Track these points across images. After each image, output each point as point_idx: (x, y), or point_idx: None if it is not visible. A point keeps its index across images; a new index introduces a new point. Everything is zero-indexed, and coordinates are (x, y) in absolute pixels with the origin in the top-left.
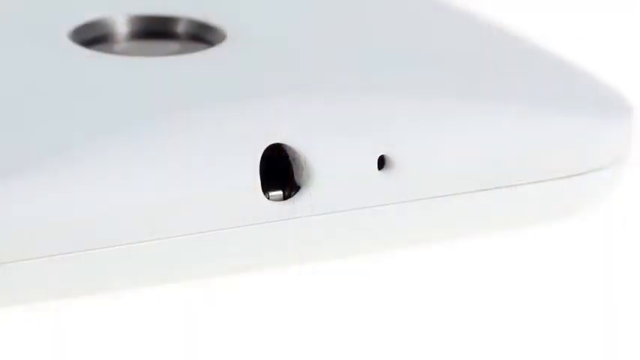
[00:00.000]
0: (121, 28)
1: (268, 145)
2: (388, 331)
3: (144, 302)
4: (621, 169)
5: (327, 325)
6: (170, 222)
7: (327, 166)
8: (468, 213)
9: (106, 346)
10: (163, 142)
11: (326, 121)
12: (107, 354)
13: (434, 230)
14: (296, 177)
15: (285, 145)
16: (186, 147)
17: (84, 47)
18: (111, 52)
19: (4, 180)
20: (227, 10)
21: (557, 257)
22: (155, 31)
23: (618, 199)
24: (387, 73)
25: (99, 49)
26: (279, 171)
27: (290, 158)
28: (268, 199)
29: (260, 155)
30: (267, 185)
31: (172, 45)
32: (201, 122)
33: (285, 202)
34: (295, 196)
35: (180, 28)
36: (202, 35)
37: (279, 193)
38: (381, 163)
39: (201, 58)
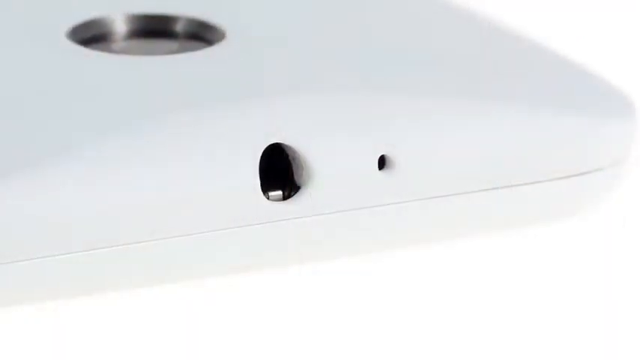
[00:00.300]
0: (120, 26)
1: (268, 144)
2: (388, 331)
3: (143, 302)
4: (622, 170)
5: (327, 325)
6: (169, 222)
7: (327, 166)
8: (468, 213)
9: (106, 347)
10: (162, 142)
11: (326, 120)
12: (107, 354)
13: (434, 230)
14: (296, 177)
15: (285, 145)
16: (185, 147)
17: (82, 46)
18: (109, 51)
19: (4, 180)
20: (226, 9)
21: (557, 257)
22: (154, 30)
23: (618, 199)
24: (387, 73)
25: (97, 48)
26: (279, 171)
27: (290, 158)
28: (268, 199)
29: (260, 155)
30: (267, 185)
31: (171, 44)
32: (201, 122)
33: (285, 202)
34: (295, 196)
35: (179, 27)
36: (201, 34)
37: (279, 193)
38: (382, 163)
39: (200, 58)
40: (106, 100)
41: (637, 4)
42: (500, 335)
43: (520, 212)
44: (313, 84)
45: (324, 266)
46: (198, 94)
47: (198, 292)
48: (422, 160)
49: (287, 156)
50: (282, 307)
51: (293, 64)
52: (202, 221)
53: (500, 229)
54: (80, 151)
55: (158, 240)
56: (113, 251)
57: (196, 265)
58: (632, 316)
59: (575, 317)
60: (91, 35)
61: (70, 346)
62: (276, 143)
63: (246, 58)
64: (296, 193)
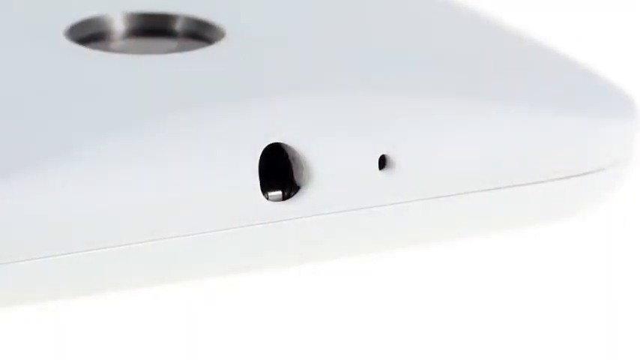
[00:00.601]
0: (119, 25)
1: (268, 144)
2: (388, 331)
3: (143, 302)
4: (624, 170)
5: (327, 325)
6: (169, 222)
7: (327, 166)
8: (468, 213)
9: (106, 347)
10: (161, 142)
11: (326, 120)
12: (107, 354)
13: (434, 230)
14: (296, 177)
15: (285, 145)
16: (184, 146)
17: (81, 45)
18: (108, 50)
19: (4, 180)
20: (226, 8)
21: (558, 257)
22: (153, 28)
23: (619, 199)
24: (387, 73)
25: (96, 47)
26: (279, 171)
27: (290, 158)
28: (267, 199)
29: (259, 155)
30: (267, 185)
31: (170, 43)
32: (200, 121)
33: (285, 202)
34: (295, 196)
35: (179, 26)
36: (201, 33)
37: (279, 193)
38: (382, 163)
39: (199, 56)
40: (105, 99)
41: (637, 4)
42: (501, 335)
43: (521, 212)
44: (313, 84)
45: (324, 266)
46: (197, 94)
47: (198, 292)
48: (422, 160)
49: (287, 156)
50: (282, 307)
51: (293, 63)
52: (202, 221)
53: (501, 229)
54: (80, 150)
55: (158, 240)
56: (113, 251)
57: (196, 265)
58: (632, 316)
59: (576, 317)
60: (90, 34)
61: (70, 346)
62: (276, 143)
63: (245, 58)
64: (296, 193)
